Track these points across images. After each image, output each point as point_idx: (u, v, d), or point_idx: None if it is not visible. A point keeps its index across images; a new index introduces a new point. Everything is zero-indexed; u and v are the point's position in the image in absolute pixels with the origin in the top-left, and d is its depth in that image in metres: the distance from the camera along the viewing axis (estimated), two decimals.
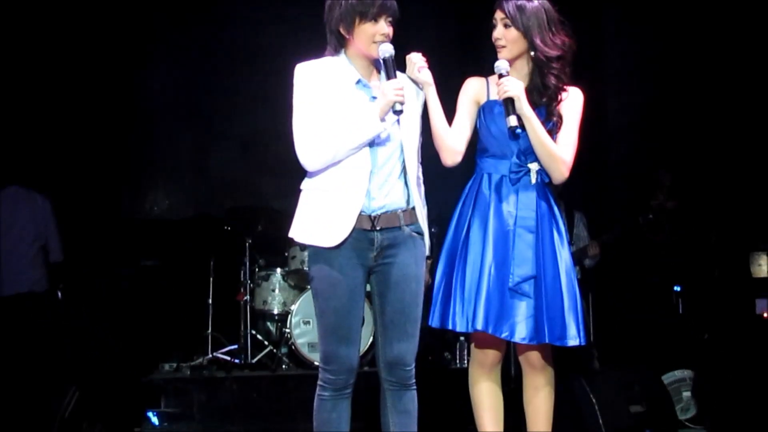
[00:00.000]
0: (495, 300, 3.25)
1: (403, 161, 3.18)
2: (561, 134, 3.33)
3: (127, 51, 7.20)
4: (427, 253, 3.26)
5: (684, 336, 6.47)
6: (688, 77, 7.10)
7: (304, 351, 6.10)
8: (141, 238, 7.24)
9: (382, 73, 3.14)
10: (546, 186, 3.37)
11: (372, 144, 3.11)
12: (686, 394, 5.34)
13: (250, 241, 6.51)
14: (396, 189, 3.17)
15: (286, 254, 6.45)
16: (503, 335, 3.25)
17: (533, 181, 3.34)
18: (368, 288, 3.21)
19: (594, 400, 4.64)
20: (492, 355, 3.41)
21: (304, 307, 6.16)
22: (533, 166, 3.33)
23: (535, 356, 3.38)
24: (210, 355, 6.27)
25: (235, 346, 6.38)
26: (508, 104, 3.25)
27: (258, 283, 6.51)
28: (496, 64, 3.31)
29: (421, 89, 3.28)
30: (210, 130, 7.61)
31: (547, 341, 3.26)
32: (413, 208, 3.20)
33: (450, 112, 3.37)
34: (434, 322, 3.35)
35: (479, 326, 3.23)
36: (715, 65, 6.96)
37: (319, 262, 3.11)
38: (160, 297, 6.81)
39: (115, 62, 7.13)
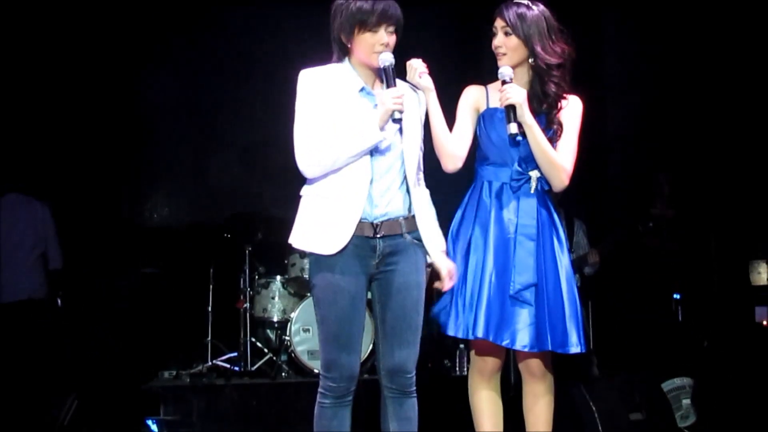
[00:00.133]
0: (496, 307, 3.25)
1: (405, 169, 3.17)
2: (561, 142, 3.34)
3: (128, 58, 7.20)
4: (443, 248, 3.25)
5: (684, 343, 6.47)
6: (688, 86, 7.11)
7: (304, 358, 6.09)
8: (141, 245, 7.24)
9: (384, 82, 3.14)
10: (546, 194, 3.38)
11: (373, 152, 3.11)
12: (686, 401, 5.33)
13: (249, 248, 6.51)
14: (398, 197, 3.17)
15: (286, 262, 6.44)
16: (504, 343, 3.25)
17: (533, 188, 3.34)
18: (368, 295, 3.21)
19: (594, 408, 4.63)
20: (492, 363, 3.41)
21: (303, 315, 6.15)
22: (534, 174, 3.33)
23: (535, 364, 3.38)
24: (209, 363, 6.26)
25: (235, 354, 6.37)
26: (510, 112, 3.25)
27: (258, 290, 6.50)
28: (500, 70, 3.31)
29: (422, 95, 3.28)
30: (210, 137, 7.61)
31: (549, 348, 3.26)
32: (413, 216, 3.20)
33: (449, 120, 3.37)
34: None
35: (480, 334, 3.23)
36: (714, 73, 6.97)
37: (321, 270, 3.10)
38: (159, 304, 6.80)
39: (116, 69, 7.14)
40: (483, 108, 3.42)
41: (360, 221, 3.09)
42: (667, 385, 5.31)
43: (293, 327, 6.15)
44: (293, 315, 6.19)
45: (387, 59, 3.10)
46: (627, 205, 7.04)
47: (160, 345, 6.47)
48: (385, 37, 3.09)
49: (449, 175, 3.38)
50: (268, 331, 6.63)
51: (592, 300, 6.35)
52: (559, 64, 3.31)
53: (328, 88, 3.12)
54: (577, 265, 5.63)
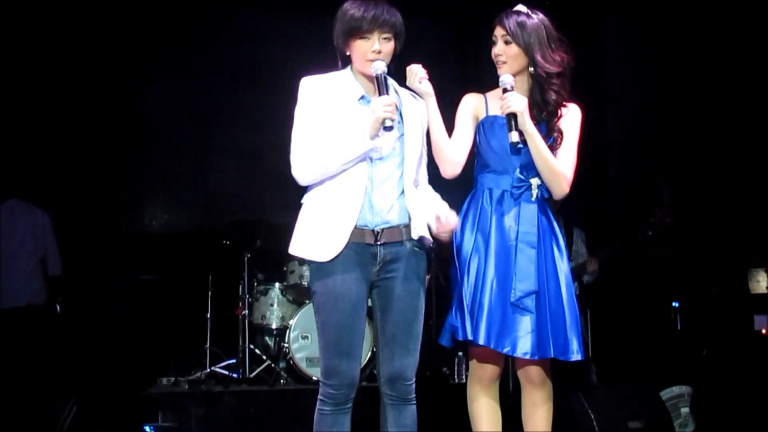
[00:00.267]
0: (497, 315, 3.24)
1: (404, 176, 3.17)
2: (561, 150, 3.34)
3: (128, 65, 7.22)
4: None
5: (682, 351, 6.47)
6: (687, 94, 7.13)
7: (303, 366, 6.09)
8: (140, 252, 7.24)
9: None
10: (546, 201, 3.38)
11: (372, 159, 3.11)
12: (684, 410, 5.33)
13: (248, 255, 6.51)
14: (399, 204, 3.16)
15: (285, 269, 6.44)
16: (505, 350, 3.25)
17: (534, 196, 3.34)
18: (369, 303, 3.21)
19: (592, 416, 4.63)
20: (491, 371, 3.41)
21: (302, 322, 6.15)
22: (535, 182, 3.34)
23: (534, 371, 3.37)
24: (208, 370, 6.25)
25: (233, 361, 6.36)
26: (511, 120, 3.25)
27: (256, 297, 6.50)
28: (501, 78, 3.31)
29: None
30: (210, 144, 7.63)
31: (551, 355, 3.26)
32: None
33: (448, 126, 3.37)
34: (442, 339, 3.38)
35: (481, 341, 3.22)
36: (714, 82, 6.99)
37: (322, 277, 3.10)
38: (158, 311, 6.81)
39: (116, 76, 7.15)
40: (482, 115, 3.42)
41: (361, 228, 3.09)
42: (665, 394, 5.31)
43: (292, 334, 6.15)
44: (292, 322, 6.19)
45: (379, 67, 3.08)
46: (626, 213, 7.05)
47: (158, 351, 6.47)
48: (377, 44, 3.08)
49: (448, 182, 3.38)
50: (267, 338, 6.62)
51: (591, 308, 6.35)
52: (559, 73, 3.31)
53: (327, 96, 3.12)
54: (576, 273, 5.63)
